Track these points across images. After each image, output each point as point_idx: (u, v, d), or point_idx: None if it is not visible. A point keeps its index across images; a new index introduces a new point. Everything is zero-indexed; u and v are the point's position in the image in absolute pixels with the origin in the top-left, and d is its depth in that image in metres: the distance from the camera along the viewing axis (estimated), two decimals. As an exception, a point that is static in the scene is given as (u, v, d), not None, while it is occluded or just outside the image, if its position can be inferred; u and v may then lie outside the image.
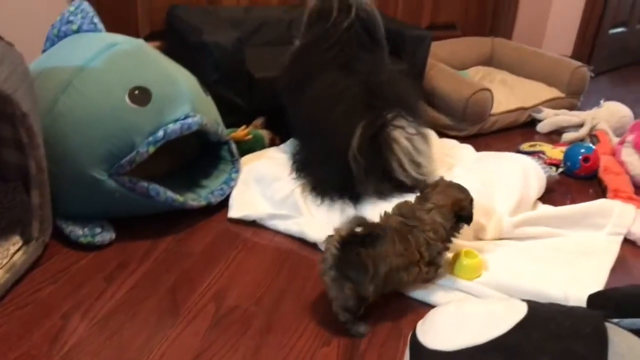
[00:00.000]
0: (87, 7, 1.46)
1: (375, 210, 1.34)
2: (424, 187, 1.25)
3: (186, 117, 1.34)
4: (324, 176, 1.52)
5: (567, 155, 1.86)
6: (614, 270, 1.35)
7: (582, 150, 1.83)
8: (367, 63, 1.64)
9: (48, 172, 1.22)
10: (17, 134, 1.18)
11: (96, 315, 1.13)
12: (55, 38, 1.44)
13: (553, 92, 2.37)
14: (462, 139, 2.03)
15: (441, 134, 2.03)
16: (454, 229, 1.23)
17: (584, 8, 2.97)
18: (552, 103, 2.31)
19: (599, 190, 1.78)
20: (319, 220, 1.44)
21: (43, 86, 1.27)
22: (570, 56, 2.82)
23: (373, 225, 1.11)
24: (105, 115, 1.26)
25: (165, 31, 2.10)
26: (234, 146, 1.58)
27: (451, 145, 1.95)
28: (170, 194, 1.36)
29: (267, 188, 1.54)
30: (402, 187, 1.49)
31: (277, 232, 1.44)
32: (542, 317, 0.90)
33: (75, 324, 1.10)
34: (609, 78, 3.10)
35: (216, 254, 1.34)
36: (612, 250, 1.43)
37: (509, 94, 2.34)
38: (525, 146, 2.00)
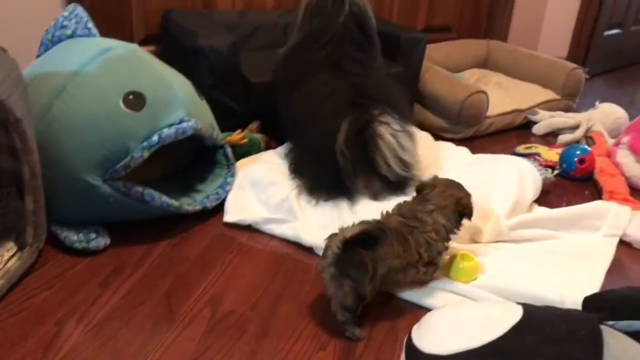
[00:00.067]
0: (81, 11, 1.46)
1: (370, 211, 1.33)
2: (421, 188, 1.25)
3: (181, 121, 1.34)
4: (314, 174, 1.53)
5: (562, 157, 1.86)
6: (609, 273, 1.35)
7: (578, 152, 1.83)
8: (359, 63, 1.65)
9: (42, 177, 1.21)
10: (10, 139, 1.17)
11: (91, 321, 1.12)
12: (49, 43, 1.44)
13: (548, 94, 2.37)
14: (458, 142, 2.03)
15: (437, 137, 2.04)
16: (455, 226, 1.23)
17: (579, 10, 2.98)
18: (548, 105, 2.32)
19: (594, 191, 1.78)
20: (315, 225, 1.43)
21: (37, 91, 1.27)
22: (566, 58, 2.83)
23: (376, 227, 1.11)
24: (99, 120, 1.25)
25: (160, 35, 2.09)
26: (229, 150, 1.58)
27: (447, 147, 1.95)
28: (165, 198, 1.36)
29: (262, 192, 1.54)
30: (392, 184, 1.50)
31: (273, 237, 1.44)
32: (537, 320, 0.90)
33: (70, 330, 1.09)
34: (604, 80, 3.11)
35: (212, 259, 1.34)
36: (607, 252, 1.43)
37: (504, 96, 2.34)
38: (521, 148, 2.00)
